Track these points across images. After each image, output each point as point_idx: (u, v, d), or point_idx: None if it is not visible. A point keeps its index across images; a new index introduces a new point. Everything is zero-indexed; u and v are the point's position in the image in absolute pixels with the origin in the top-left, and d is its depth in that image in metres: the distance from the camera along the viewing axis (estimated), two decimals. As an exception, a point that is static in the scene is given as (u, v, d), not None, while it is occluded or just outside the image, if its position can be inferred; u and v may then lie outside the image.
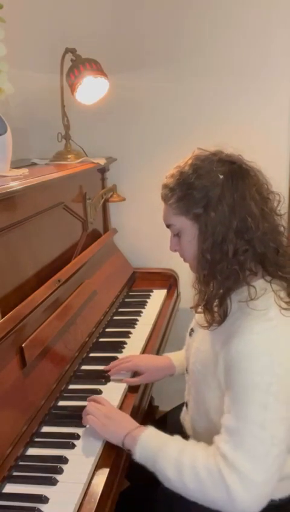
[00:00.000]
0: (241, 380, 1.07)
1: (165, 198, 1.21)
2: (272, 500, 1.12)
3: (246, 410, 1.05)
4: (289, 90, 2.08)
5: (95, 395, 1.35)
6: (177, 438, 1.17)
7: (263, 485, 1.02)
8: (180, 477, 1.07)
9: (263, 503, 1.04)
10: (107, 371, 1.51)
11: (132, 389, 1.46)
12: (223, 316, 1.14)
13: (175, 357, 1.52)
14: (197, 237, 1.16)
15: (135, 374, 1.51)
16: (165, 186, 1.20)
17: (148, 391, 1.57)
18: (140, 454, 1.14)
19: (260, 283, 1.14)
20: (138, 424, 1.21)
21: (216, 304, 1.15)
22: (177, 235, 1.22)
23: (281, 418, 1.05)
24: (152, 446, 1.14)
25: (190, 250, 1.20)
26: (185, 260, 1.25)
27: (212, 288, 1.15)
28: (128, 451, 1.17)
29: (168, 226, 1.23)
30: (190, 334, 1.35)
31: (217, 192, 1.12)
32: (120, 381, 1.47)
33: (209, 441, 1.15)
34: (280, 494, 1.17)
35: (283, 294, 1.13)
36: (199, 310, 1.20)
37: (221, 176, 1.13)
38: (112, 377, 1.49)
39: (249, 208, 1.12)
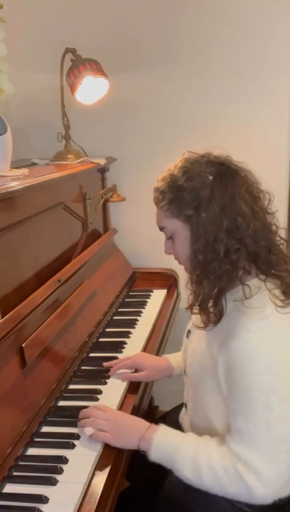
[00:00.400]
0: (244, 381, 1.08)
1: (156, 202, 1.22)
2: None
3: (252, 411, 1.07)
4: (289, 90, 2.08)
5: (91, 406, 1.30)
6: (190, 436, 1.19)
7: (277, 477, 1.08)
8: (199, 477, 1.12)
9: (279, 492, 1.11)
10: (107, 371, 1.51)
11: (131, 389, 1.46)
12: (219, 316, 1.15)
13: (173, 359, 1.53)
14: (189, 238, 1.17)
15: (136, 371, 1.51)
16: (156, 189, 1.21)
17: (148, 391, 1.57)
18: (155, 456, 1.17)
19: (254, 282, 1.14)
20: (148, 424, 1.22)
21: (211, 304, 1.16)
22: (170, 237, 1.23)
23: (287, 416, 1.08)
24: (167, 447, 1.16)
25: (183, 252, 1.21)
26: (179, 262, 1.26)
27: (206, 288, 1.15)
28: (143, 452, 1.18)
29: (161, 229, 1.24)
30: (187, 336, 1.36)
31: (207, 193, 1.13)
32: (121, 376, 1.48)
33: None
34: (280, 494, 1.17)
35: (277, 292, 1.14)
36: (195, 310, 1.21)
37: (210, 177, 1.14)
38: (110, 380, 1.48)
39: (239, 207, 1.13)
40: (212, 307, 1.16)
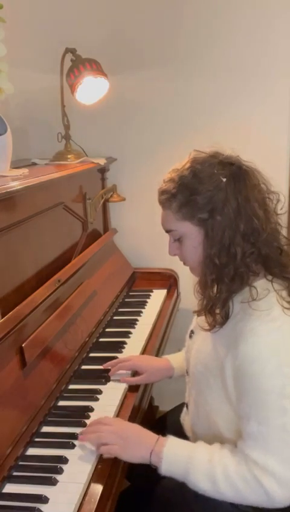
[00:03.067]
0: (255, 386, 1.07)
1: (164, 204, 1.19)
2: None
3: (265, 415, 1.06)
4: (289, 89, 2.08)
5: (94, 421, 1.25)
6: (200, 445, 1.16)
7: None
8: (216, 488, 1.09)
9: None
10: (107, 371, 1.51)
11: (132, 389, 1.46)
12: (226, 318, 1.14)
13: (174, 359, 1.52)
14: (203, 242, 1.15)
15: (135, 374, 1.51)
16: (164, 191, 1.18)
17: (148, 391, 1.57)
18: (167, 471, 1.13)
19: (261, 283, 1.14)
20: (156, 436, 1.17)
21: (219, 306, 1.15)
22: (178, 240, 1.21)
23: None
24: (178, 461, 1.13)
25: (194, 255, 1.19)
26: (185, 264, 1.24)
27: (218, 292, 1.14)
28: (154, 467, 1.15)
29: (168, 231, 1.22)
30: (190, 336, 1.35)
31: (221, 196, 1.11)
32: (119, 380, 1.47)
33: (209, 442, 1.16)
34: None
35: (284, 293, 1.13)
36: (202, 313, 1.20)
37: (224, 179, 1.12)
38: (112, 376, 1.49)
39: (253, 209, 1.12)
40: (219, 308, 1.15)
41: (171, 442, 1.16)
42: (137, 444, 1.17)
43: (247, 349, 1.07)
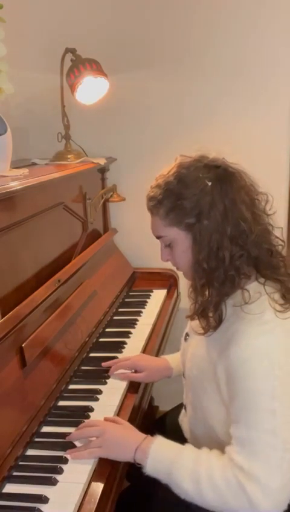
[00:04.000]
0: (246, 388, 1.06)
1: (152, 210, 1.19)
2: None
3: (255, 419, 1.04)
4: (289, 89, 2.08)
5: (79, 426, 1.24)
6: (188, 447, 1.15)
7: (281, 489, 1.03)
8: (198, 489, 1.06)
9: (283, 505, 1.04)
10: (107, 371, 1.51)
11: (131, 389, 1.46)
12: (219, 321, 1.13)
13: (172, 359, 1.52)
14: (192, 247, 1.14)
15: (135, 371, 1.51)
16: (151, 198, 1.18)
17: (148, 391, 1.57)
18: (152, 468, 1.12)
19: (253, 286, 1.13)
20: (144, 435, 1.17)
21: (211, 309, 1.14)
22: (168, 245, 1.21)
23: (289, 422, 1.04)
24: (164, 458, 1.11)
25: (184, 260, 1.19)
26: (178, 269, 1.24)
27: (209, 296, 1.14)
28: (138, 465, 1.13)
29: (158, 237, 1.22)
30: (185, 339, 1.35)
31: (207, 200, 1.11)
32: (122, 375, 1.47)
33: (207, 445, 1.16)
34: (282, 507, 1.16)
35: (277, 296, 1.13)
36: (194, 317, 1.20)
37: (209, 183, 1.11)
38: (110, 380, 1.48)
39: (240, 212, 1.11)
40: (211, 312, 1.14)
41: (159, 441, 1.15)
42: (124, 444, 1.16)
43: (238, 351, 1.07)
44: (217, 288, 1.12)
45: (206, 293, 1.15)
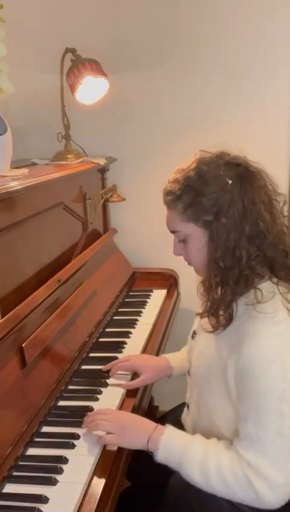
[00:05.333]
0: (256, 388, 1.07)
1: (169, 205, 1.18)
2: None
3: (263, 418, 1.06)
4: (289, 90, 2.08)
5: (94, 411, 1.30)
6: (198, 439, 1.17)
7: (287, 484, 1.07)
8: (207, 481, 1.10)
9: (287, 498, 1.09)
10: (107, 372, 1.51)
11: (131, 390, 1.46)
12: (229, 320, 1.13)
13: (173, 359, 1.51)
14: (208, 244, 1.14)
15: (134, 374, 1.50)
16: (169, 192, 1.17)
17: (148, 392, 1.56)
18: (163, 458, 1.15)
19: (266, 285, 1.13)
20: (154, 424, 1.20)
21: (222, 308, 1.14)
22: (182, 240, 1.20)
23: None
24: (174, 449, 1.14)
25: (198, 257, 1.18)
26: (190, 264, 1.24)
27: (222, 294, 1.13)
28: (150, 453, 1.16)
29: (172, 231, 1.21)
30: (193, 337, 1.34)
31: (227, 198, 1.10)
32: (119, 385, 1.45)
33: None
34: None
35: None
36: (204, 315, 1.19)
37: (229, 181, 1.11)
38: (110, 380, 1.48)
39: (259, 212, 1.11)
40: (222, 310, 1.14)
41: (170, 431, 1.18)
42: (135, 431, 1.19)
43: (250, 352, 1.07)
44: (231, 287, 1.12)
45: (219, 291, 1.14)
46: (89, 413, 1.29)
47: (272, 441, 1.05)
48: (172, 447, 1.14)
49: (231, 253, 1.11)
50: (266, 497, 1.06)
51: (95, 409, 1.34)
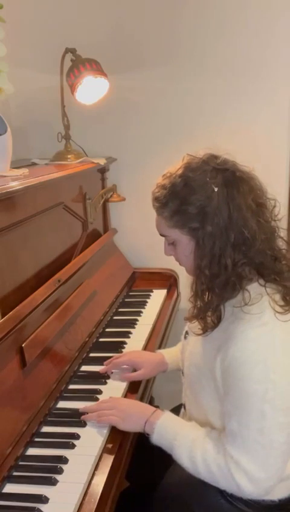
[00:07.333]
0: (239, 387, 1.08)
1: (157, 210, 1.19)
2: (272, 501, 1.16)
3: (245, 417, 1.08)
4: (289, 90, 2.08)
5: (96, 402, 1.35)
6: (190, 426, 1.22)
7: (268, 479, 1.10)
8: (194, 467, 1.15)
9: (269, 490, 1.13)
10: (104, 373, 1.51)
11: (131, 390, 1.46)
12: (217, 322, 1.14)
13: (168, 355, 1.53)
14: (194, 251, 1.14)
15: (133, 371, 1.51)
16: (156, 198, 1.17)
17: (149, 391, 1.57)
18: (156, 441, 1.20)
19: (254, 287, 1.13)
20: (154, 409, 1.25)
21: (210, 311, 1.15)
22: (172, 243, 1.21)
23: (279, 423, 1.07)
24: (167, 434, 1.19)
25: (187, 262, 1.19)
26: (180, 265, 1.25)
27: (209, 300, 1.14)
28: (147, 435, 1.22)
29: (161, 235, 1.22)
30: (185, 337, 1.35)
31: (213, 206, 1.09)
32: (122, 376, 1.48)
33: None
34: (280, 495, 1.18)
35: (277, 297, 1.12)
36: (193, 320, 1.21)
37: (216, 189, 1.10)
38: (112, 376, 1.49)
39: (245, 219, 1.10)
40: (210, 313, 1.15)
41: (166, 416, 1.23)
42: (134, 414, 1.25)
43: (236, 352, 1.08)
44: (217, 293, 1.12)
45: (206, 297, 1.15)
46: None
47: (253, 439, 1.07)
48: (166, 431, 1.19)
49: (216, 261, 1.10)
50: (246, 489, 1.10)
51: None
